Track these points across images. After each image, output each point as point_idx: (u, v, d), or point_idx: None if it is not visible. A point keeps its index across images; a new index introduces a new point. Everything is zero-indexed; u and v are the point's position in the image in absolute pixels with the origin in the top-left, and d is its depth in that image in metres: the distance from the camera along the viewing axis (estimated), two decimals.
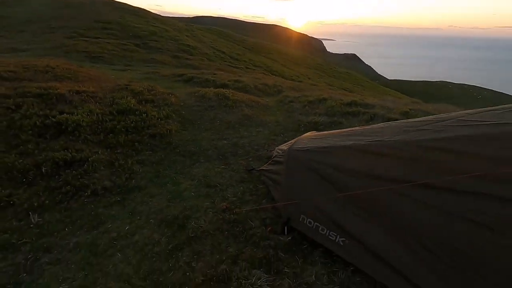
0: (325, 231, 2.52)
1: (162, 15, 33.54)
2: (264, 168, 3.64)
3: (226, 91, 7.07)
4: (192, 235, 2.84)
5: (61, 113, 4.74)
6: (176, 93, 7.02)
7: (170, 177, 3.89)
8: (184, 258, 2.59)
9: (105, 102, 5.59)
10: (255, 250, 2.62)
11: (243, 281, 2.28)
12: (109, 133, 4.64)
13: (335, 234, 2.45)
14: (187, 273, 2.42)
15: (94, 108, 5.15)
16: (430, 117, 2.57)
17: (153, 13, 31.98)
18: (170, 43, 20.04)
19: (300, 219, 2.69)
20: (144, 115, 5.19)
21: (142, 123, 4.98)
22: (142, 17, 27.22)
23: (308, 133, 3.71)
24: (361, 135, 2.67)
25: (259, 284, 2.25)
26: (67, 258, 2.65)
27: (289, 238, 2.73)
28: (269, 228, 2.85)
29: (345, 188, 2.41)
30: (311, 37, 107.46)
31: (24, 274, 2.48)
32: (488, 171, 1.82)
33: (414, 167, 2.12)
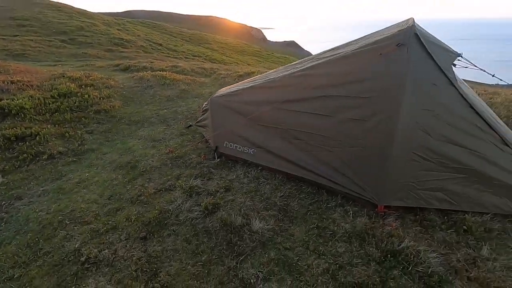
0: (241, 148, 3.55)
1: (88, 10, 31.28)
2: (197, 120, 4.54)
3: (163, 73, 7.70)
4: (143, 170, 3.65)
5: (0, 100, 4.99)
6: (115, 78, 7.44)
7: (119, 140, 4.56)
8: (138, 183, 3.40)
9: (44, 88, 5.87)
10: (193, 170, 3.55)
11: (184, 185, 3.20)
12: (54, 112, 5.06)
13: (248, 148, 3.50)
14: (142, 190, 3.25)
15: (34, 93, 5.45)
16: (305, 58, 3.71)
17: (77, 8, 29.67)
18: (101, 38, 19.28)
19: (224, 145, 3.68)
20: (86, 96, 5.65)
21: (85, 103, 5.46)
22: (65, 12, 25.31)
23: (224, 88, 4.68)
24: (260, 78, 3.73)
25: (195, 184, 3.20)
26: (39, 200, 3.25)
27: (219, 160, 3.71)
28: (203, 156, 3.80)
29: (249, 114, 3.44)
30: (251, 26, 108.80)
31: (3, 213, 3.05)
32: (327, 83, 2.98)
33: (286, 90, 3.23)
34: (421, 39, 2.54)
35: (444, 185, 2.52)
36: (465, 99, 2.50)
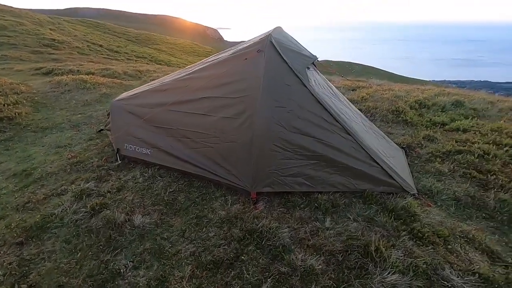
0: (139, 149, 3.69)
1: (22, 8, 28.21)
2: (105, 124, 4.56)
3: (85, 77, 7.44)
4: (38, 177, 3.60)
5: None
6: (29, 83, 7.01)
7: (19, 148, 4.39)
8: (29, 190, 3.36)
9: None
10: (91, 174, 3.60)
11: (76, 189, 3.24)
12: None
13: (145, 148, 3.65)
14: (31, 197, 3.22)
15: None
16: (196, 63, 3.96)
17: (2, 5, 26.69)
18: (28, 38, 17.67)
19: (125, 147, 3.79)
20: None
21: None
22: None
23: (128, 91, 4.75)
24: (157, 82, 3.90)
25: (87, 187, 3.26)
26: None
27: (120, 162, 3.80)
28: (104, 159, 3.86)
29: (144, 116, 3.60)
30: (206, 26, 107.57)
31: None
32: (206, 86, 3.25)
33: (175, 93, 3.45)
34: (276, 47, 2.93)
35: (302, 171, 2.95)
36: (314, 96, 2.95)
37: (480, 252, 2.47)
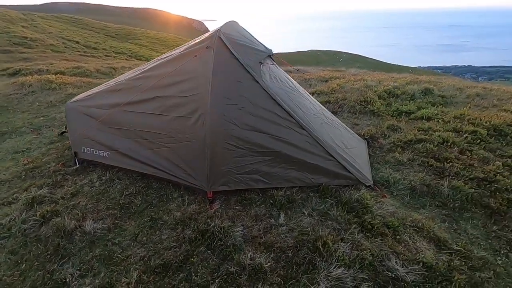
0: (97, 152, 3.58)
1: None
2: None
3: (51, 77, 7.17)
4: None
5: None
6: None
7: None
8: None
9: None
10: (46, 180, 3.48)
11: (28, 197, 3.13)
12: None
13: (103, 151, 3.54)
14: None
15: None
16: (151, 61, 3.84)
17: None
18: None
19: (82, 150, 3.67)
20: None
21: None
22: None
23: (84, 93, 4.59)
24: (113, 81, 3.77)
25: (39, 193, 3.15)
26: None
27: (78, 166, 3.68)
28: (61, 164, 3.74)
29: (99, 117, 3.48)
30: (191, 19, 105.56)
31: None
32: (159, 84, 3.16)
33: (128, 92, 3.34)
34: (225, 42, 2.86)
35: (257, 168, 2.92)
36: (267, 92, 2.90)
37: (427, 240, 2.51)
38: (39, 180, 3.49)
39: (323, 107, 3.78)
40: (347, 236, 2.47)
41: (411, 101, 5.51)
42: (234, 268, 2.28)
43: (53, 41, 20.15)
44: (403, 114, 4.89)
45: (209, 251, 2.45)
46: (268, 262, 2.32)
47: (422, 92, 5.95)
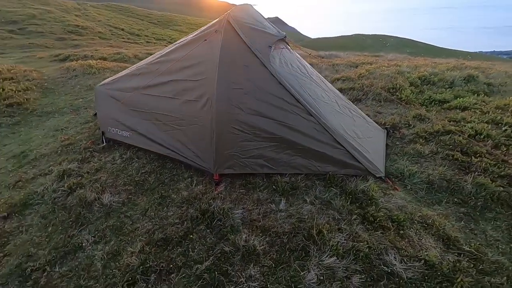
0: (120, 132, 3.85)
1: None
2: None
3: (92, 62, 7.76)
4: (33, 158, 3.93)
5: None
6: (43, 70, 7.47)
7: (24, 131, 4.78)
8: (22, 170, 3.69)
9: None
10: (77, 155, 3.85)
11: (60, 170, 3.50)
12: None
13: (125, 131, 3.80)
14: (22, 176, 3.55)
15: None
16: (169, 46, 3.96)
17: None
18: (54, 26, 18.59)
19: (109, 130, 3.98)
20: (0, 90, 5.74)
21: None
22: None
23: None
24: (135, 66, 3.98)
25: (69, 167, 3.52)
26: None
27: (105, 144, 4.01)
28: (90, 142, 4.10)
29: (121, 100, 3.72)
30: (232, 4, 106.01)
31: None
32: (172, 69, 3.27)
33: (147, 76, 3.50)
34: (234, 26, 2.84)
35: (262, 153, 2.92)
36: (275, 77, 2.85)
37: (435, 238, 2.35)
38: (71, 155, 3.88)
39: (339, 94, 3.61)
40: (344, 226, 2.40)
41: (448, 89, 5.02)
42: (229, 248, 2.36)
43: (101, 28, 21.62)
44: (436, 103, 4.48)
45: (208, 230, 2.56)
46: (262, 245, 2.36)
47: (464, 79, 5.37)
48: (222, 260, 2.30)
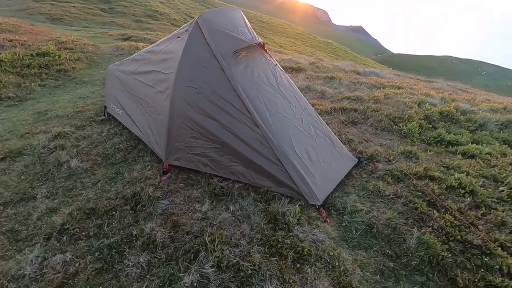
0: (116, 110, 4.30)
1: None
2: None
3: (140, 44, 8.62)
4: (49, 117, 4.64)
5: None
6: (101, 46, 8.59)
7: (58, 94, 5.63)
8: (36, 125, 4.39)
9: (32, 48, 7.19)
10: (79, 122, 4.42)
11: (57, 131, 4.08)
12: (25, 67, 6.32)
13: (119, 109, 4.23)
14: (31, 130, 4.23)
15: (19, 50, 6.78)
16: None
17: None
18: (137, 8, 20.94)
19: (109, 106, 4.47)
20: (57, 57, 6.83)
21: (53, 62, 6.64)
22: None
23: None
24: (137, 52, 4.36)
25: (66, 130, 4.07)
26: None
27: (104, 117, 4.52)
28: (95, 112, 4.65)
29: (121, 81, 4.14)
30: (317, 8, 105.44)
31: None
32: (155, 59, 3.53)
33: (140, 63, 3.83)
34: (202, 28, 2.95)
35: (206, 152, 3.00)
36: (230, 82, 2.88)
37: (333, 283, 2.14)
38: (75, 121, 4.47)
39: (312, 112, 3.43)
40: (243, 242, 2.35)
41: (473, 132, 4.34)
42: (136, 232, 2.52)
43: (176, 16, 23.60)
44: (443, 143, 3.93)
45: (131, 211, 2.75)
46: (164, 238, 2.46)
47: (501, 124, 4.58)
48: (126, 241, 2.46)
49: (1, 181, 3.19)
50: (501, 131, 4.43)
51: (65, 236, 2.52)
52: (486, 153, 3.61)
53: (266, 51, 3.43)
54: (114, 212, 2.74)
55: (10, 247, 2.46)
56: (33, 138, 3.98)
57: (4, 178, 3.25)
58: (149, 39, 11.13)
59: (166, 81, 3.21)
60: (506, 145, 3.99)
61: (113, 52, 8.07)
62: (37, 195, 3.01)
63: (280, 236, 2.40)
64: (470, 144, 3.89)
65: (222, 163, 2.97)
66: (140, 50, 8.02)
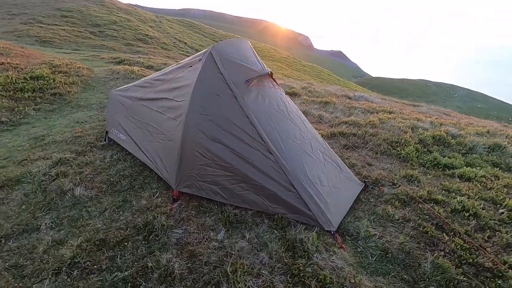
0: (119, 135, 4.26)
1: (146, 6, 34.17)
2: None
3: (134, 68, 8.68)
4: (47, 142, 4.51)
5: None
6: (95, 69, 8.58)
7: (54, 119, 5.52)
8: (33, 151, 4.25)
9: (25, 71, 7.09)
10: (79, 147, 4.33)
11: (57, 157, 3.97)
12: (18, 91, 6.19)
13: (123, 134, 4.20)
14: (29, 156, 4.09)
15: (12, 74, 6.66)
16: (168, 67, 4.31)
17: (121, 3, 32.39)
18: (127, 32, 21.24)
19: (111, 131, 4.42)
20: (51, 80, 6.75)
21: (48, 86, 6.55)
22: (106, 7, 27.99)
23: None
24: (143, 79, 4.41)
25: (66, 157, 3.97)
26: None
27: (105, 142, 4.45)
28: (95, 138, 4.57)
29: (126, 107, 4.14)
30: (298, 33, 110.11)
31: None
32: (166, 87, 3.59)
33: (148, 89, 3.87)
34: (215, 57, 3.06)
35: (217, 180, 3.00)
36: (243, 109, 2.96)
37: None
38: (75, 146, 4.37)
39: (318, 137, 3.56)
40: (265, 272, 2.33)
41: (464, 155, 4.58)
42: (151, 263, 2.44)
43: (166, 40, 24.06)
44: (440, 167, 4.12)
45: (143, 242, 2.67)
46: (182, 270, 2.40)
47: (488, 148, 4.86)
48: (141, 274, 2.38)
49: (1, 212, 3.04)
50: (490, 154, 4.70)
51: (76, 271, 2.40)
52: (481, 176, 3.82)
53: (274, 80, 3.57)
54: (126, 243, 2.65)
55: (16, 284, 2.32)
56: (32, 165, 3.85)
57: (4, 209, 3.10)
58: (142, 62, 11.23)
59: (178, 109, 3.26)
60: (497, 168, 4.23)
61: (108, 75, 8.06)
62: (40, 226, 2.88)
63: (301, 265, 2.39)
64: (464, 167, 4.10)
65: (234, 191, 2.98)
66: (135, 74, 8.11)
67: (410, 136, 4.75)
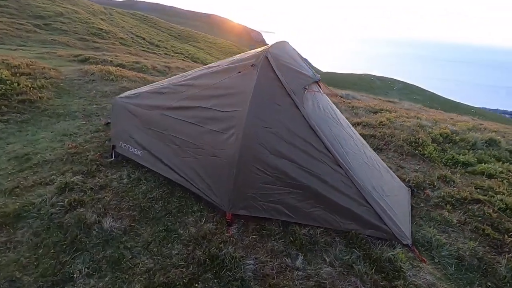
0: (132, 149, 3.67)
1: None
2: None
3: (112, 68, 7.74)
4: (35, 163, 3.71)
5: None
6: (61, 69, 7.44)
7: (31, 131, 4.60)
8: (22, 175, 3.46)
9: None
10: (82, 167, 3.64)
11: (62, 181, 3.28)
12: None
13: (138, 149, 3.62)
14: (21, 182, 3.31)
15: None
16: (196, 69, 3.87)
17: None
18: (78, 26, 19.04)
19: (120, 145, 3.80)
20: (15, 84, 5.64)
21: (12, 91, 5.46)
22: None
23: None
24: (159, 84, 3.87)
25: (73, 180, 3.29)
26: None
27: (114, 159, 3.81)
28: (99, 154, 3.90)
29: (140, 117, 3.58)
30: (251, 29, 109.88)
31: None
32: (200, 95, 3.15)
33: (171, 98, 3.38)
34: (271, 63, 2.74)
35: (282, 199, 2.72)
36: (306, 120, 2.71)
37: None
38: (76, 166, 3.67)
39: (364, 142, 3.47)
40: None
41: (470, 151, 4.87)
42: None
43: (123, 34, 22.16)
44: (460, 165, 4.32)
45: (215, 280, 2.29)
46: None
47: (485, 143, 5.25)
48: None
49: (11, 262, 2.38)
50: (489, 149, 5.09)
51: None
52: (501, 172, 4.08)
53: (319, 85, 3.36)
54: (196, 285, 2.25)
55: None
56: (31, 194, 3.11)
57: (13, 256, 2.43)
58: (110, 61, 10.12)
59: (225, 120, 2.87)
60: (503, 162, 4.58)
61: (81, 77, 7.05)
62: (73, 274, 2.31)
63: (400, 286, 2.25)
64: (477, 164, 4.36)
65: (301, 209, 2.72)
66: (113, 74, 7.24)
67: (425, 136, 4.92)
